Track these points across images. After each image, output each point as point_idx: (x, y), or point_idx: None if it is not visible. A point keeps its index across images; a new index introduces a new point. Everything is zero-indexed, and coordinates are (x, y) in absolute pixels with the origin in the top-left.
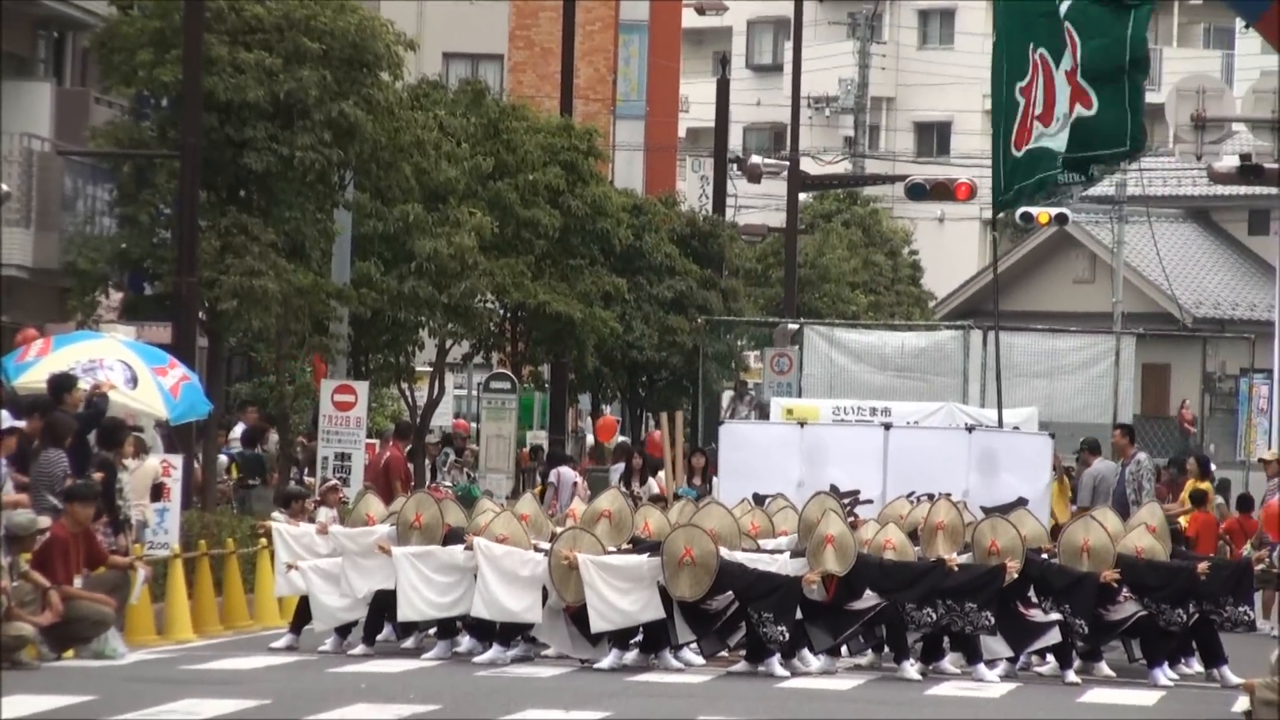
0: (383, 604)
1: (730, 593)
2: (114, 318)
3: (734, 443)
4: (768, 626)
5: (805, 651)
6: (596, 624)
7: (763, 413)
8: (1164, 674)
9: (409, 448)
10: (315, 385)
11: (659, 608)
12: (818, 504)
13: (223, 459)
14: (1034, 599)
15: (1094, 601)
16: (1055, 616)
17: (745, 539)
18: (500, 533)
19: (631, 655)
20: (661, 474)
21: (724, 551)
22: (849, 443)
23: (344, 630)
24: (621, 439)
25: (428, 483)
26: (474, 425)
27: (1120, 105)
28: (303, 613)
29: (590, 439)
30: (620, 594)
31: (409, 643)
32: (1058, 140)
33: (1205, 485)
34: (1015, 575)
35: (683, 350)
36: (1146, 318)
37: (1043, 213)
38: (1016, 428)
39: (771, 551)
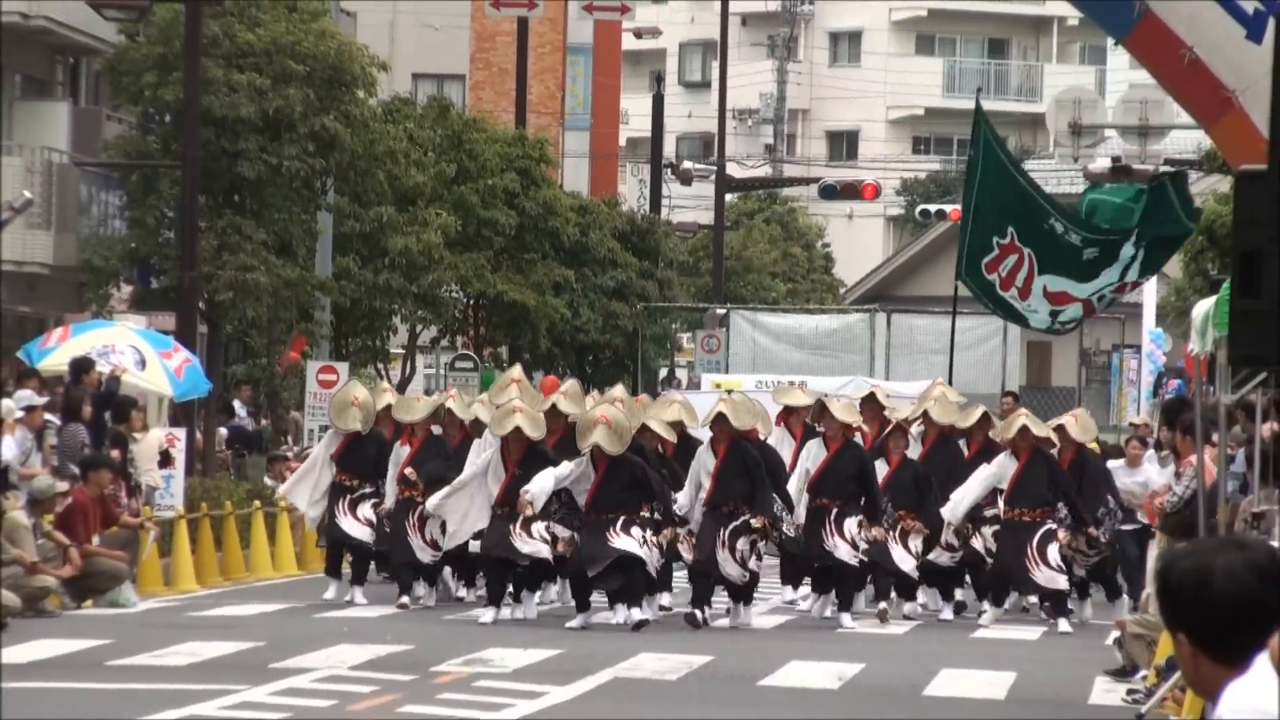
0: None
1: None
2: (125, 308)
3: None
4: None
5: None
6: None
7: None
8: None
9: None
10: (290, 356)
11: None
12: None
13: (223, 432)
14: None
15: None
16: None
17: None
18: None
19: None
20: None
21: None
22: (766, 403)
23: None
24: None
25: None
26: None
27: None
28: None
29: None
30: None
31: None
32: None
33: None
34: None
35: (624, 333)
36: None
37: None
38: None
39: None
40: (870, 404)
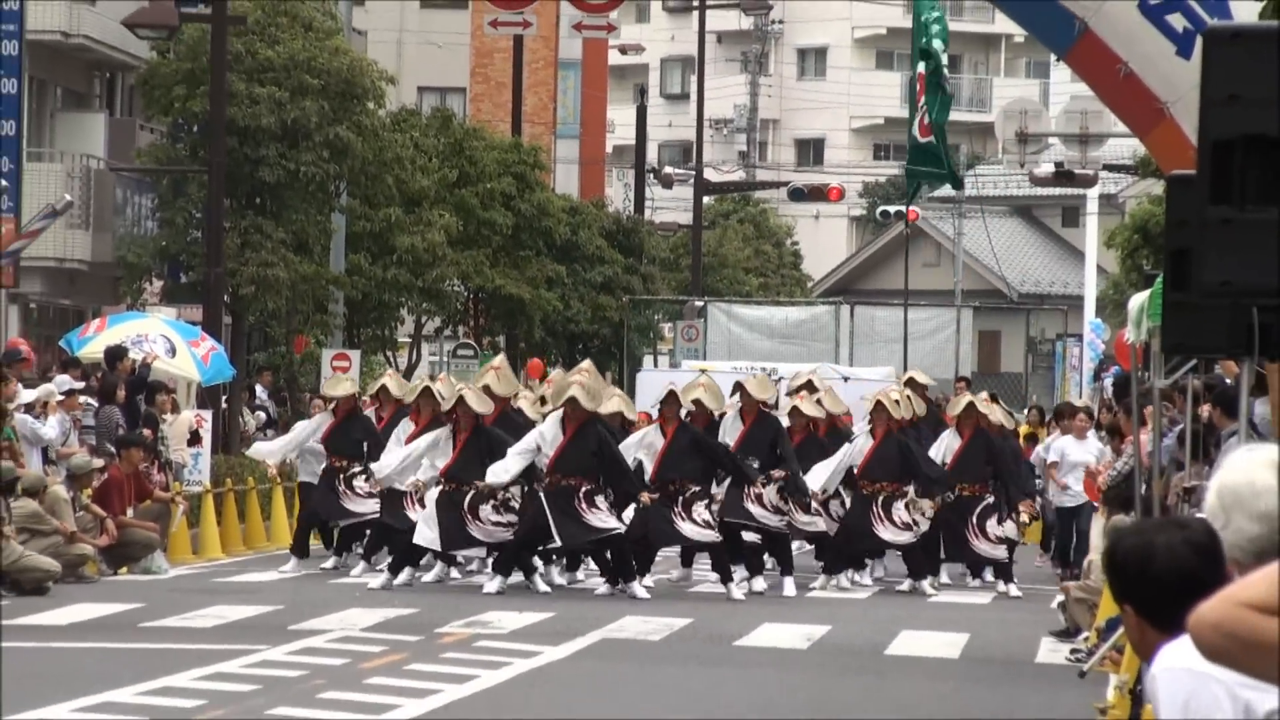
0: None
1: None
2: (156, 301)
3: (651, 386)
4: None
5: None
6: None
7: None
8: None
9: None
10: (295, 349)
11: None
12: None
13: (261, 416)
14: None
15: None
16: (1002, 551)
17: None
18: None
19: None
20: None
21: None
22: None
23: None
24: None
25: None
26: None
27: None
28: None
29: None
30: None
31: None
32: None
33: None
34: None
35: (611, 323)
36: (981, 294)
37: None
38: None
39: None
40: (913, 385)
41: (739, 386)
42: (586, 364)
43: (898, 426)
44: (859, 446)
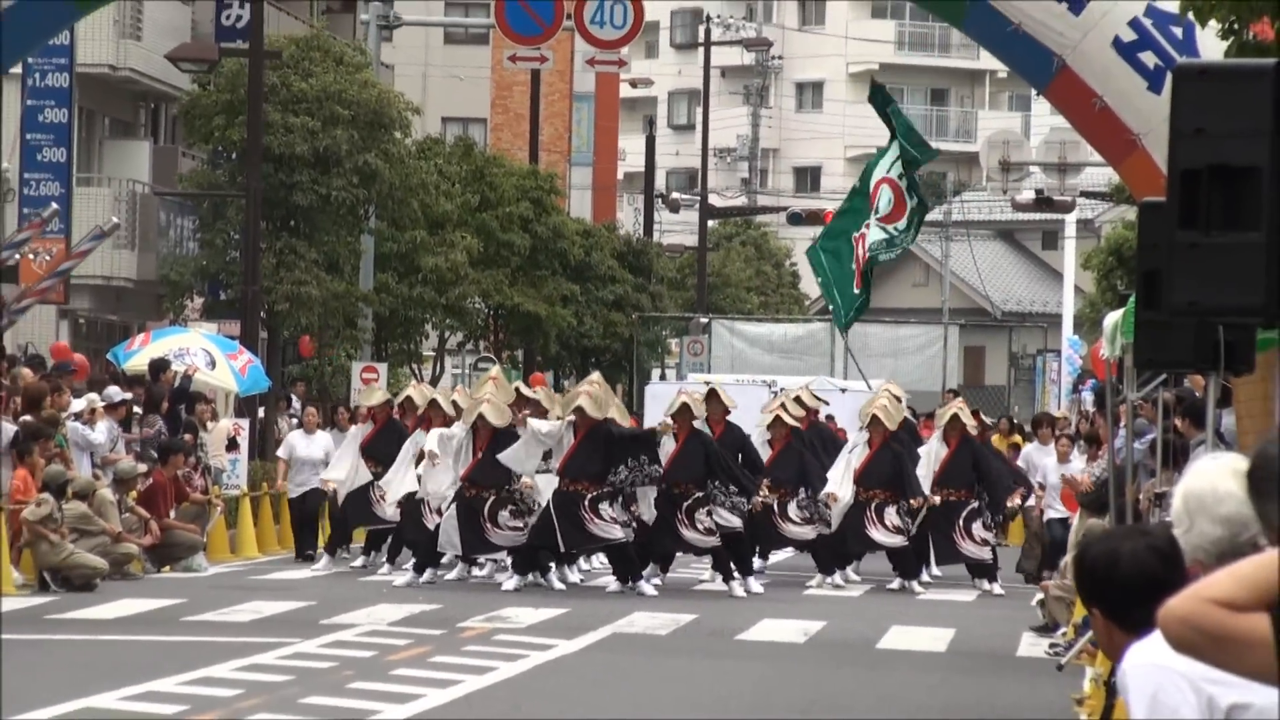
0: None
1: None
2: (197, 316)
3: (657, 398)
4: (648, 468)
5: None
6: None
7: None
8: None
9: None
10: (305, 354)
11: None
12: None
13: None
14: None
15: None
16: (987, 552)
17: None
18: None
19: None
20: None
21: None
22: (743, 397)
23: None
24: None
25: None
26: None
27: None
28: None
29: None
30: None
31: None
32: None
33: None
34: None
35: (622, 339)
36: (967, 312)
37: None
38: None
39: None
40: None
41: (711, 392)
42: (595, 376)
43: (890, 435)
44: (857, 454)
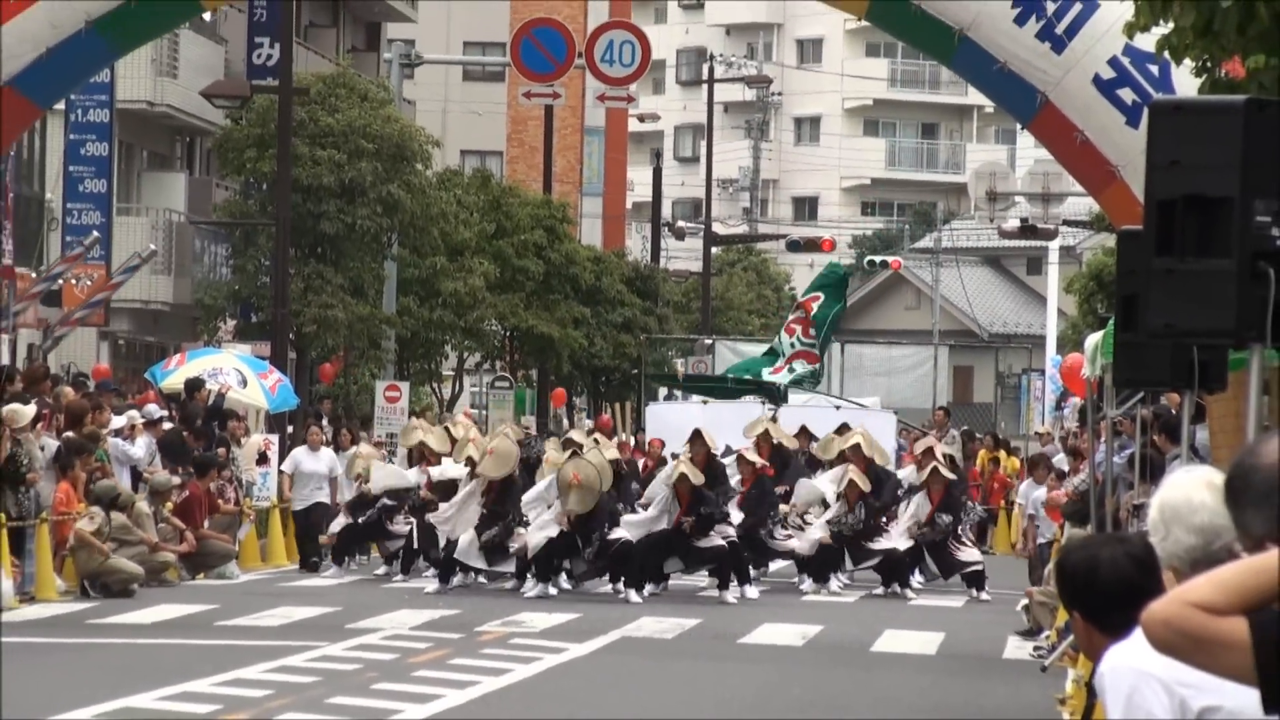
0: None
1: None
2: (230, 338)
3: (658, 416)
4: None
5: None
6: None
7: None
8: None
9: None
10: (325, 380)
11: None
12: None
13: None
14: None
15: None
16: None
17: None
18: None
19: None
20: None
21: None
22: (741, 415)
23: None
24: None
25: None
26: (483, 411)
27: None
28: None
29: (565, 424)
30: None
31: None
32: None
33: (999, 453)
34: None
35: (630, 359)
36: (956, 333)
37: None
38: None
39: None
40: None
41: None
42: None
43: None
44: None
